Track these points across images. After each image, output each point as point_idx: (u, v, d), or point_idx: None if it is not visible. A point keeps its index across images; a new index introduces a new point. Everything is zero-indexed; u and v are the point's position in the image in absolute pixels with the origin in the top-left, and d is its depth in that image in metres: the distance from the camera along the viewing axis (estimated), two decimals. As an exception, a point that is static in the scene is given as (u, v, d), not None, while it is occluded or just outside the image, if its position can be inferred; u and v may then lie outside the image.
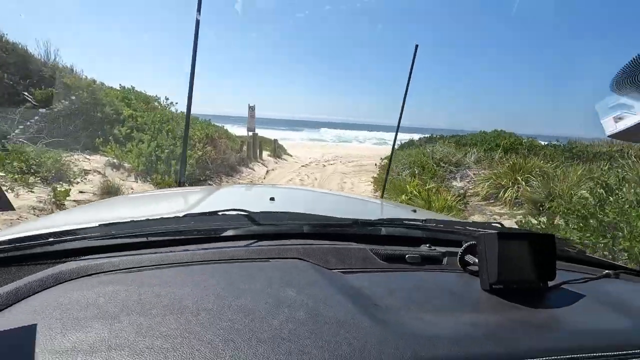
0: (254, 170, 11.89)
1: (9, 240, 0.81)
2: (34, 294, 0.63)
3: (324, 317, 0.59)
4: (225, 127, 13.95)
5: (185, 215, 1.01)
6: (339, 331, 0.55)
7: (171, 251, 0.83)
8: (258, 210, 1.04)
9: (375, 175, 10.11)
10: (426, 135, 15.07)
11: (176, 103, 11.59)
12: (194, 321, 0.55)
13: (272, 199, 1.47)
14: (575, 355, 0.54)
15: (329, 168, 14.65)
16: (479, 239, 0.79)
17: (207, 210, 1.05)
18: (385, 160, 18.57)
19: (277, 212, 1.13)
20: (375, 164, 13.68)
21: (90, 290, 0.63)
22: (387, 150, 26.72)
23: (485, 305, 0.72)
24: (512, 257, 0.76)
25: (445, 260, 0.94)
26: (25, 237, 0.84)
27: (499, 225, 1.17)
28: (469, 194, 7.29)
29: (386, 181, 4.21)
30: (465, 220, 2.18)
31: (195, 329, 0.53)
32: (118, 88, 10.56)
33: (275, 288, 0.68)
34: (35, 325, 0.52)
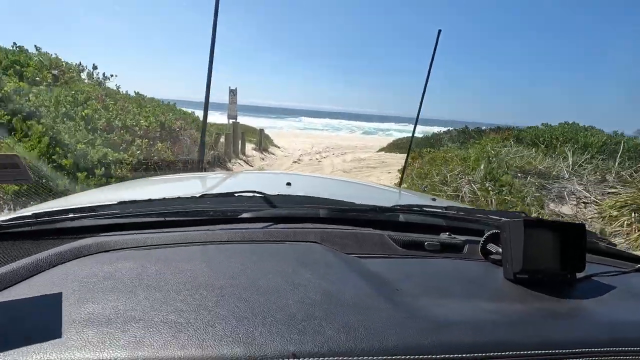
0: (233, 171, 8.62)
1: (30, 215, 0.82)
2: (52, 267, 0.63)
3: (340, 299, 0.57)
4: (196, 114, 10.43)
5: (202, 196, 1.03)
6: (356, 314, 0.53)
7: (188, 231, 0.82)
8: (275, 194, 1.04)
9: (395, 174, 7.64)
10: (450, 129, 11.88)
11: (113, 76, 8.03)
12: (208, 297, 0.54)
13: (288, 183, 1.41)
14: (611, 348, 0.52)
15: (324, 163, 12.26)
16: (504, 226, 0.77)
17: (224, 192, 1.06)
18: (382, 153, 16.52)
19: (294, 195, 1.11)
20: (383, 161, 10.83)
21: (108, 264, 0.63)
22: (379, 141, 25.92)
23: (509, 294, 0.69)
24: (539, 246, 0.73)
25: (466, 248, 0.91)
26: (45, 212, 0.84)
27: (524, 215, 1.13)
28: (594, 228, 4.24)
29: (404, 171, 4.18)
30: (487, 209, 2.00)
31: (210, 305, 0.52)
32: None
33: (291, 270, 0.67)
34: (60, 293, 0.53)
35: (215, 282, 0.60)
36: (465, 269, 0.80)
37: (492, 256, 0.85)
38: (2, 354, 0.39)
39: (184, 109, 10.20)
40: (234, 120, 17.14)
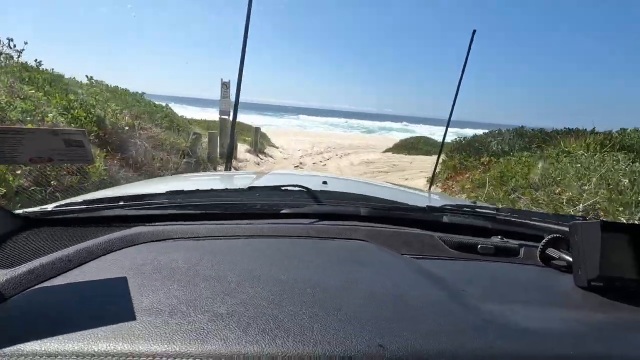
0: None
1: (82, 201, 0.82)
2: (105, 254, 0.62)
3: (407, 301, 0.54)
4: (170, 108, 8.30)
5: (249, 188, 1.04)
6: (429, 315, 0.51)
7: (237, 224, 0.82)
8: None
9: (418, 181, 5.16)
10: (497, 130, 9.57)
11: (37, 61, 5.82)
12: (272, 291, 0.52)
13: (324, 182, 1.36)
14: None
15: (329, 167, 10.74)
16: (574, 228, 0.71)
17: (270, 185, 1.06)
18: (389, 154, 15.06)
19: (338, 191, 1.08)
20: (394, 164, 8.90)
21: (162, 254, 0.62)
22: (381, 141, 24.27)
23: (583, 303, 0.64)
24: (618, 251, 0.66)
25: (522, 252, 0.85)
26: (95, 199, 0.85)
27: (591, 218, 1.02)
28: None
29: (434, 175, 4.03)
30: (544, 212, 2.02)
31: (275, 299, 0.50)
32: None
33: (348, 266, 0.65)
34: (125, 278, 0.52)
35: (275, 275, 0.57)
36: (525, 275, 0.75)
37: (554, 262, 0.80)
38: (66, 335, 0.37)
39: (159, 103, 8.07)
40: (226, 117, 14.95)
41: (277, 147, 15.07)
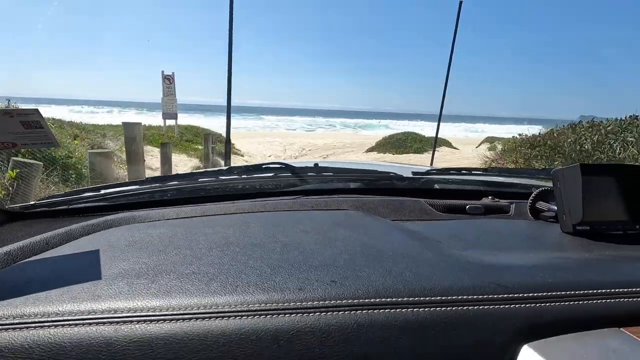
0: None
1: (63, 194, 0.82)
2: (82, 236, 0.62)
3: (382, 250, 0.54)
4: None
5: (229, 168, 1.04)
6: (401, 261, 0.50)
7: (217, 204, 0.79)
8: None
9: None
10: (589, 120, 6.84)
11: None
12: (241, 253, 0.52)
13: (316, 164, 1.32)
14: None
15: None
16: (557, 175, 0.69)
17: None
18: (374, 154, 14.39)
19: (321, 166, 1.04)
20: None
21: (138, 231, 0.61)
22: (360, 138, 21.79)
23: (570, 246, 0.62)
24: (600, 193, 0.65)
25: (512, 209, 0.84)
26: (77, 190, 0.85)
27: None
28: None
29: (434, 153, 4.42)
30: (533, 168, 2.09)
31: (242, 258, 0.50)
32: None
33: (326, 229, 0.63)
34: (97, 250, 0.52)
35: (248, 240, 0.57)
36: (515, 227, 0.74)
37: (543, 214, 0.79)
38: (39, 306, 0.39)
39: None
40: (172, 123, 11.47)
41: (242, 155, 12.02)
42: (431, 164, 3.31)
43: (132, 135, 4.61)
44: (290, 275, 0.45)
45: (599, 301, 0.45)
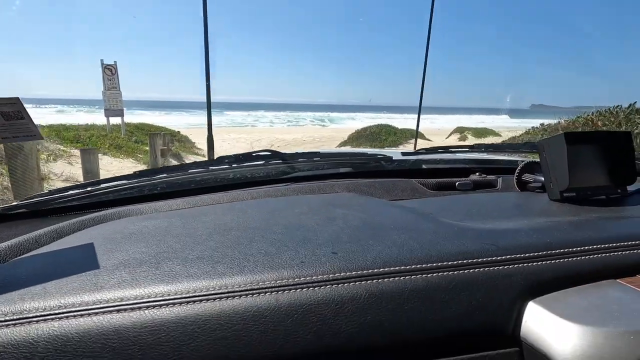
0: None
1: (48, 192, 0.79)
2: (74, 233, 0.60)
3: (383, 224, 0.54)
4: None
5: (219, 158, 1.00)
6: (403, 232, 0.51)
7: (210, 195, 0.78)
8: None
9: None
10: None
11: None
12: (242, 236, 0.51)
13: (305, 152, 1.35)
14: None
15: None
16: (542, 145, 0.70)
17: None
18: (348, 148, 12.50)
19: (311, 152, 1.04)
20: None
21: (132, 224, 0.59)
22: (328, 132, 21.23)
23: (558, 212, 0.64)
24: (583, 161, 0.67)
25: (499, 183, 0.87)
26: (64, 187, 0.83)
27: None
28: None
29: (417, 136, 4.61)
30: (519, 143, 1.93)
31: (245, 241, 0.49)
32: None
33: (324, 209, 0.62)
34: (92, 244, 0.50)
35: (248, 225, 0.55)
36: (504, 199, 0.75)
37: (530, 185, 0.80)
38: (38, 301, 0.37)
39: None
40: (119, 121, 9.89)
41: (202, 154, 10.64)
42: (415, 138, 3.61)
43: (19, 144, 3.19)
44: (297, 252, 0.45)
45: (593, 256, 0.47)
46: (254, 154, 0.97)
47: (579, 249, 0.47)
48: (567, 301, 0.43)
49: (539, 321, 0.41)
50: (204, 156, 10.59)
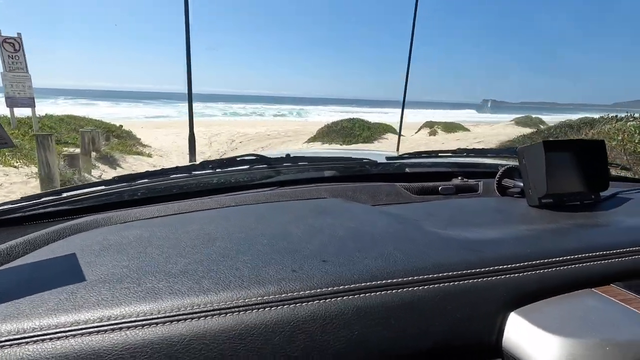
0: None
1: (20, 199, 0.75)
2: (49, 244, 0.55)
3: (369, 234, 0.54)
4: None
5: (202, 162, 0.95)
6: (389, 242, 0.51)
7: (193, 200, 0.75)
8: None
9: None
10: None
11: None
12: (227, 247, 0.49)
13: (287, 155, 1.27)
14: (634, 248, 0.52)
15: None
16: (522, 152, 0.72)
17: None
18: (318, 145, 12.14)
19: (297, 156, 1.01)
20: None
21: (111, 234, 0.55)
22: (295, 125, 19.37)
23: (538, 218, 0.65)
24: (560, 167, 0.70)
25: (480, 187, 0.89)
26: (37, 194, 0.78)
27: None
28: None
29: (399, 141, 4.65)
30: (500, 148, 2.04)
31: (230, 253, 0.48)
32: None
33: (310, 217, 0.61)
34: (71, 255, 0.48)
35: (232, 234, 0.54)
36: (485, 204, 0.76)
37: (509, 190, 0.82)
38: (11, 323, 0.35)
39: None
40: (30, 112, 7.75)
41: (151, 155, 8.76)
42: (398, 142, 3.44)
43: None
44: (283, 266, 0.44)
45: (572, 266, 0.49)
46: (238, 159, 0.95)
47: (558, 259, 0.48)
48: (546, 311, 0.44)
49: (519, 332, 0.42)
50: (148, 155, 8.68)
